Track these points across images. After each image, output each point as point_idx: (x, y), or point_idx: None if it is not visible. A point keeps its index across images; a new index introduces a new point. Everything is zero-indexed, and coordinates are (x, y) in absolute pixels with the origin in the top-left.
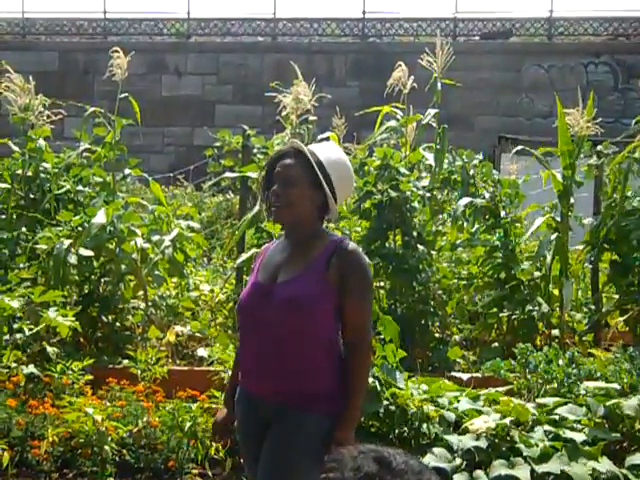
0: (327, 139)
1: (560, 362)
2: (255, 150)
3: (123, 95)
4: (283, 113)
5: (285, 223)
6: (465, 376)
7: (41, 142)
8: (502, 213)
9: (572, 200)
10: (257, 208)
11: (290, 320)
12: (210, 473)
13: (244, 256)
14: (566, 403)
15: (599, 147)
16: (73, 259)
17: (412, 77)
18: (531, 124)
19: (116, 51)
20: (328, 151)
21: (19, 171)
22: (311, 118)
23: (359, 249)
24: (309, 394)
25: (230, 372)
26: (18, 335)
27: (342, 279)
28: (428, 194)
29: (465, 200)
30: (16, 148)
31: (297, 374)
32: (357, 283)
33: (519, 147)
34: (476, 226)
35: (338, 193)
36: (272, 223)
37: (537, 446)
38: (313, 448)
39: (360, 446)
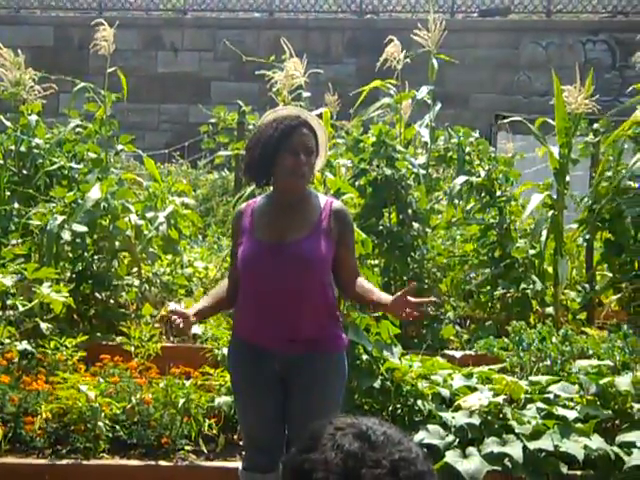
0: (320, 116)
1: (553, 340)
2: (250, 127)
3: (111, 69)
4: (274, 89)
5: (297, 191)
6: (458, 354)
7: (33, 118)
8: (498, 191)
9: (568, 178)
10: (252, 186)
11: (306, 274)
12: (204, 449)
13: None
14: (559, 381)
15: (595, 125)
16: (67, 235)
17: (410, 54)
18: (528, 102)
19: (101, 24)
20: (316, 119)
21: (12, 147)
22: (305, 94)
23: (345, 206)
24: (328, 336)
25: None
26: (11, 311)
27: (340, 235)
28: (423, 171)
29: (462, 178)
30: (9, 124)
31: (315, 320)
32: (351, 237)
33: (512, 118)
34: (471, 204)
35: (321, 159)
36: (285, 192)
37: (529, 423)
38: (342, 382)
39: (336, 421)
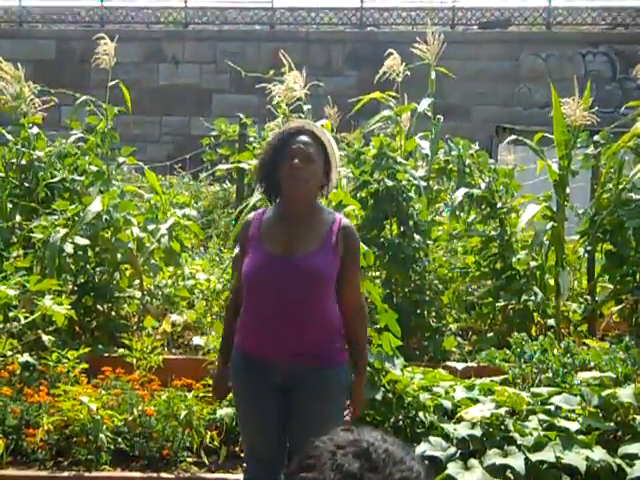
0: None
1: (555, 352)
2: (251, 139)
3: (113, 82)
4: (274, 102)
5: (300, 198)
6: (460, 365)
7: (35, 130)
8: (498, 203)
9: (568, 190)
10: (254, 199)
11: (312, 287)
12: (205, 461)
13: None
14: (561, 392)
15: (596, 137)
16: (69, 248)
17: (409, 66)
18: (529, 114)
19: (102, 37)
20: (326, 132)
21: (13, 160)
22: (305, 107)
23: (353, 224)
24: (331, 350)
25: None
26: (13, 323)
27: (345, 252)
28: (424, 183)
29: (462, 190)
30: (10, 137)
31: (319, 333)
32: (356, 255)
33: (513, 137)
34: (472, 216)
35: (334, 172)
36: (290, 200)
37: (531, 435)
38: (344, 395)
39: (337, 437)
